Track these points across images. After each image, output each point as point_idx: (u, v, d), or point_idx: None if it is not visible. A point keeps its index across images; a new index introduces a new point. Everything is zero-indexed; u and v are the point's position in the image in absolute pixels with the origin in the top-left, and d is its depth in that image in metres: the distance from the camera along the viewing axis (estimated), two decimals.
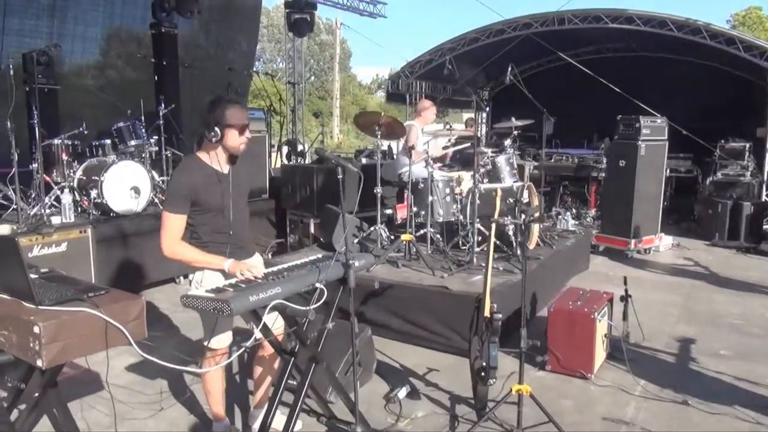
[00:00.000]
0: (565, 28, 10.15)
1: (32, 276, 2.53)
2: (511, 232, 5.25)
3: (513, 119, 5.94)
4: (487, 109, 15.47)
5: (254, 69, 10.31)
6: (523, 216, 3.22)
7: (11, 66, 5.11)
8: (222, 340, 2.92)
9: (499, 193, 3.02)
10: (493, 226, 3.09)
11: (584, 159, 10.12)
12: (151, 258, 5.60)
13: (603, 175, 9.31)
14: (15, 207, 5.27)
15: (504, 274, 4.80)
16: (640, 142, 7.07)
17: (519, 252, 5.12)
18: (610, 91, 8.70)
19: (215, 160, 2.88)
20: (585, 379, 3.86)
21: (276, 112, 9.92)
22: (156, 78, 8.72)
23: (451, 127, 5.13)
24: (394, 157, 7.78)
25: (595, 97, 11.14)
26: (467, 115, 19.77)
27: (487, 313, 3.09)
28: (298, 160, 10.70)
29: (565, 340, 3.89)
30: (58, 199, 5.63)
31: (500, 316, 3.01)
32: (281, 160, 10.42)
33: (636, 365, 4.01)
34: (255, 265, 2.81)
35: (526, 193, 5.42)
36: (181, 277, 6.11)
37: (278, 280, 2.60)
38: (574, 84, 11.45)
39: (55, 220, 5.25)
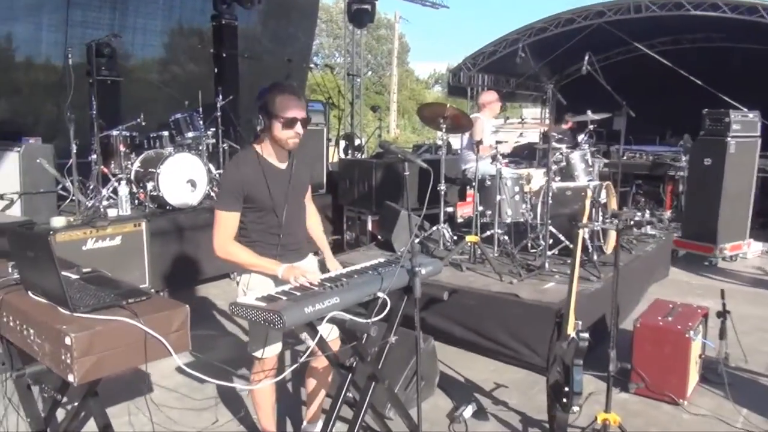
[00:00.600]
0: (641, 17, 9.49)
1: (73, 276, 2.35)
2: (587, 236, 4.80)
3: (589, 112, 5.47)
4: (550, 103, 14.86)
5: (312, 63, 10.11)
6: (615, 221, 2.81)
7: (70, 56, 5.04)
8: (272, 350, 2.66)
9: (589, 194, 2.62)
10: (581, 232, 2.70)
11: (660, 156, 9.43)
12: (206, 252, 5.42)
13: (681, 174, 8.66)
14: (73, 198, 5.23)
15: (580, 281, 4.35)
16: (729, 139, 6.41)
17: (595, 258, 4.68)
18: (685, 86, 8.04)
19: (271, 153, 2.62)
20: (676, 405, 3.41)
21: (335, 105, 9.69)
22: (216, 70, 8.65)
23: (523, 121, 4.72)
24: (457, 152, 7.39)
25: (669, 91, 10.42)
26: (527, 110, 19.10)
27: (570, 331, 2.71)
28: (355, 155, 10.47)
29: (654, 361, 3.45)
30: (115, 191, 5.57)
31: (587, 336, 2.62)
32: (338, 154, 10.20)
33: (735, 391, 3.52)
34: (310, 271, 2.53)
35: (603, 193, 4.96)
36: (236, 273, 5.95)
37: (336, 289, 2.31)
38: (646, 77, 10.74)
39: (112, 212, 5.17)
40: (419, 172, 6.76)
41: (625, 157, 9.85)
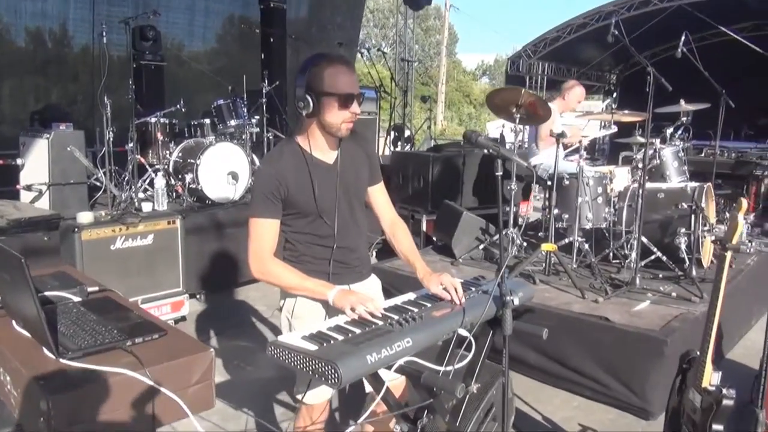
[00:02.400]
0: None
1: (74, 299, 1.85)
2: (683, 245, 4.10)
3: (682, 102, 4.75)
4: (614, 94, 13.94)
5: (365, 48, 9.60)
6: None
7: (104, 34, 4.61)
8: (323, 395, 2.11)
9: (743, 206, 1.98)
10: (728, 255, 2.06)
11: (744, 154, 8.50)
12: (246, 252, 4.97)
13: None
14: (106, 190, 4.83)
15: (679, 302, 3.68)
16: None
17: (694, 273, 3.99)
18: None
19: (317, 143, 2.06)
20: None
21: (387, 92, 9.10)
22: (262, 56, 8.21)
23: (613, 110, 4.05)
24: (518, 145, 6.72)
25: (746, 83, 9.49)
26: (588, 102, 18.07)
27: (706, 383, 2.08)
28: (405, 147, 9.89)
29: None
30: (151, 183, 5.16)
31: (733, 393, 1.99)
32: (388, 147, 9.62)
33: None
34: (372, 298, 1.97)
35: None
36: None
37: (407, 326, 1.75)
38: (722, 67, 9.79)
39: (146, 206, 4.75)
40: (479, 167, 6.27)
41: (703, 154, 9.00)
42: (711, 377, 2.08)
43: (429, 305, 2.00)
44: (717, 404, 2.01)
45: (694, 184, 4.30)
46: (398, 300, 2.06)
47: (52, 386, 1.30)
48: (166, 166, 5.41)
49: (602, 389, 3.31)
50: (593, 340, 3.36)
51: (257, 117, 6.28)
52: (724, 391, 2.01)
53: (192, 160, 5.19)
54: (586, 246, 4.24)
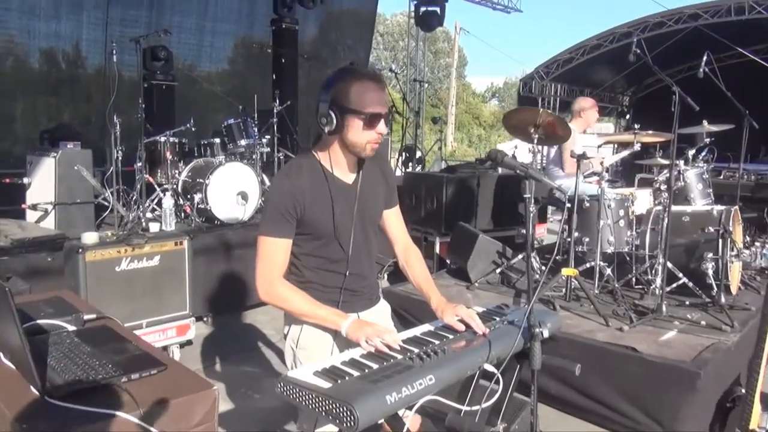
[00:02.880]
0: (741, 19, 8.45)
1: (68, 329, 1.71)
2: (710, 271, 3.92)
3: (705, 123, 4.60)
4: (627, 116, 13.82)
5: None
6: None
7: (114, 53, 4.56)
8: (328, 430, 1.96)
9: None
10: None
11: (764, 176, 8.32)
12: (255, 272, 4.84)
13: None
14: (116, 211, 4.73)
15: (709, 331, 3.49)
16: None
17: (723, 300, 3.80)
18: None
19: (337, 162, 1.93)
20: None
21: (399, 112, 9.03)
22: (274, 76, 8.18)
23: (636, 131, 3.89)
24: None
25: (762, 103, 9.38)
26: (600, 125, 17.94)
27: (754, 426, 1.90)
28: (416, 168, 9.79)
29: None
30: (159, 203, 5.05)
31: None
32: (399, 168, 9.52)
33: None
34: (389, 329, 1.82)
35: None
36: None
37: (429, 361, 1.60)
38: (737, 89, 9.65)
39: (154, 226, 4.64)
40: (495, 188, 6.13)
41: (722, 177, 8.82)
42: (760, 418, 1.90)
43: (450, 336, 1.85)
44: None
45: (720, 207, 4.13)
46: (417, 331, 1.91)
47: (36, 430, 1.16)
48: (174, 186, 5.32)
49: (629, 423, 3.11)
50: (620, 371, 3.17)
51: (268, 137, 6.20)
52: None
53: (201, 180, 5.09)
54: (608, 270, 4.06)
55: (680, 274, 3.95)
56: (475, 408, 1.64)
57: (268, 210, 1.92)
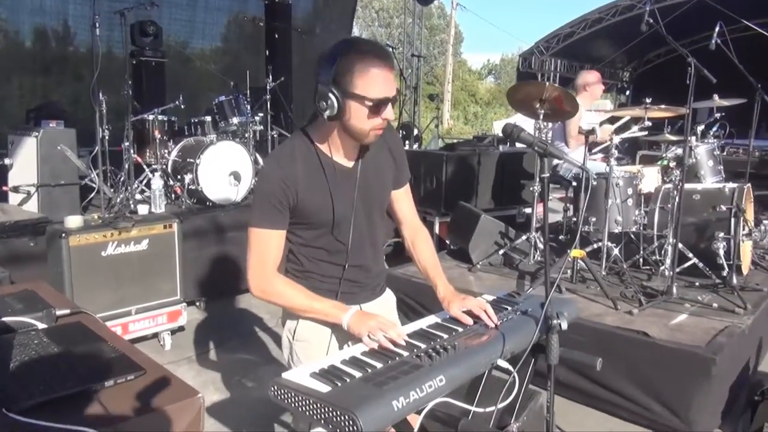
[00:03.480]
0: None
1: (38, 326, 1.55)
2: (721, 251, 3.78)
3: (716, 97, 4.42)
4: (627, 92, 13.61)
5: None
6: None
7: (98, 26, 4.32)
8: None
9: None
10: None
11: None
12: (247, 266, 4.67)
13: None
14: (103, 193, 4.54)
15: (722, 314, 3.36)
16: None
17: (734, 281, 3.66)
18: None
19: (335, 144, 1.74)
20: None
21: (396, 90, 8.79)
22: (266, 51, 7.92)
23: (647, 106, 3.71)
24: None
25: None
26: (599, 101, 17.72)
27: None
28: (413, 146, 9.58)
29: None
30: (148, 184, 4.86)
31: None
32: None
33: None
34: (394, 323, 1.66)
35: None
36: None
37: (439, 359, 1.44)
38: (745, 64, 9.43)
39: (143, 209, 4.46)
40: (496, 166, 5.95)
41: (725, 153, 8.65)
42: None
43: (459, 329, 1.70)
44: None
45: (732, 184, 3.98)
46: (422, 323, 1.75)
47: None
48: (164, 166, 5.13)
49: (641, 410, 2.99)
50: (631, 356, 3.04)
51: (261, 114, 5.99)
52: None
53: (191, 160, 4.90)
54: (616, 251, 3.92)
55: (690, 254, 3.81)
56: (489, 409, 1.49)
57: (257, 200, 1.74)
